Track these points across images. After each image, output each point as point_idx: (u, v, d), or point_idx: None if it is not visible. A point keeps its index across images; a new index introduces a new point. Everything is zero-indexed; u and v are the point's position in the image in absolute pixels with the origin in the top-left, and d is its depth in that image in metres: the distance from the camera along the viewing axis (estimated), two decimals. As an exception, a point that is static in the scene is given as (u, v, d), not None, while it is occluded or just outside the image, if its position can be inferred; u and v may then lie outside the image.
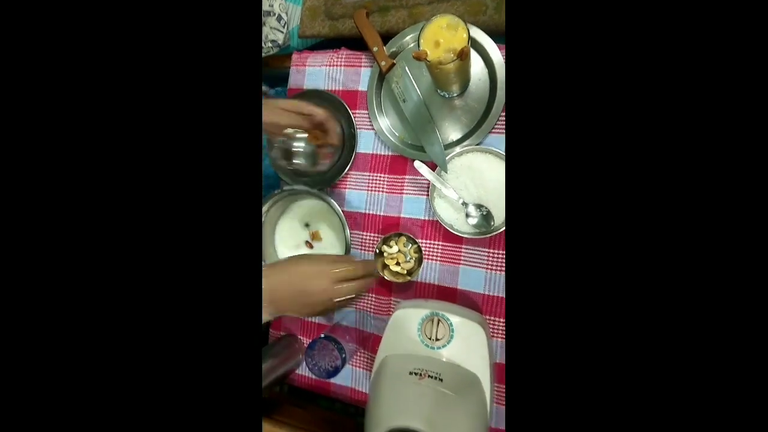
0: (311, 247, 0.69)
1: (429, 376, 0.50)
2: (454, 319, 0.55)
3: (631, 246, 0.25)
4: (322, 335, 0.57)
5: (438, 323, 0.55)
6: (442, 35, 0.49)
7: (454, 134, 0.62)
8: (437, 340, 0.54)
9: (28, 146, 0.25)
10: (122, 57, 0.27)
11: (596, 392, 0.25)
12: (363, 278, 0.52)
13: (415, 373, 0.50)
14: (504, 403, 0.59)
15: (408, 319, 0.57)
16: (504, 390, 0.59)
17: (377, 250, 0.62)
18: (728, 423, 0.23)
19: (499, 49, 0.58)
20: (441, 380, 0.49)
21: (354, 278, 0.52)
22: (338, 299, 0.50)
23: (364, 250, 0.67)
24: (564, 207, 0.26)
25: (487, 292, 0.60)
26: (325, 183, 0.67)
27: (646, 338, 0.25)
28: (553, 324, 0.26)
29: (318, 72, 0.69)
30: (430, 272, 0.63)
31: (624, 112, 0.25)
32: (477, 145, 0.59)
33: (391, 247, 0.63)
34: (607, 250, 0.25)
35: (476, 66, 0.60)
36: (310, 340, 0.58)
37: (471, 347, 0.54)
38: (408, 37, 0.63)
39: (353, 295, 0.52)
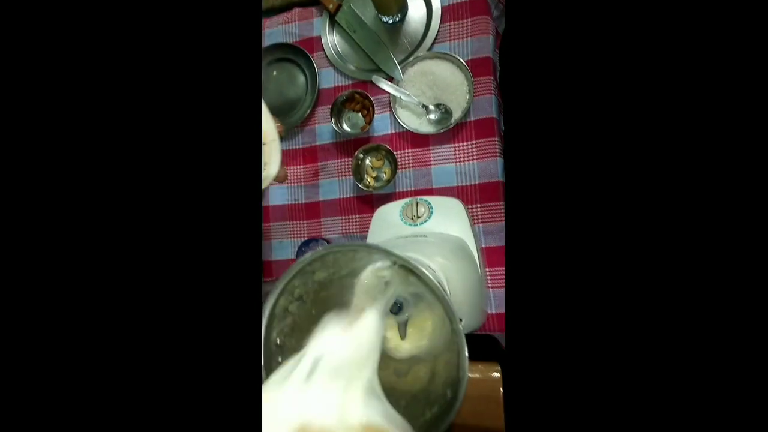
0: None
1: (415, 236, 0.52)
2: (433, 199, 0.58)
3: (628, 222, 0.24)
4: (313, 239, 0.59)
5: (417, 204, 0.58)
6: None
7: (401, 55, 0.68)
8: (418, 217, 0.57)
9: (26, 147, 0.25)
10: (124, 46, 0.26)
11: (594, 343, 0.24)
12: None
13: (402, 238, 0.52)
14: (497, 285, 0.60)
15: (389, 212, 0.59)
16: (497, 274, 0.61)
17: (356, 160, 0.66)
18: (727, 419, 0.22)
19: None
20: (426, 237, 0.51)
21: None
22: None
23: (341, 176, 0.70)
24: (562, 181, 0.26)
25: (459, 184, 0.64)
26: (292, 123, 0.72)
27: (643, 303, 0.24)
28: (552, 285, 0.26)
29: (276, 31, 0.76)
30: (405, 179, 0.67)
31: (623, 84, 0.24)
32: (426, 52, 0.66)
33: (369, 159, 0.67)
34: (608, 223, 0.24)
35: (413, -5, 0.69)
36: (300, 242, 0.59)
37: (451, 218, 0.56)
38: (349, -17, 0.72)
39: None
